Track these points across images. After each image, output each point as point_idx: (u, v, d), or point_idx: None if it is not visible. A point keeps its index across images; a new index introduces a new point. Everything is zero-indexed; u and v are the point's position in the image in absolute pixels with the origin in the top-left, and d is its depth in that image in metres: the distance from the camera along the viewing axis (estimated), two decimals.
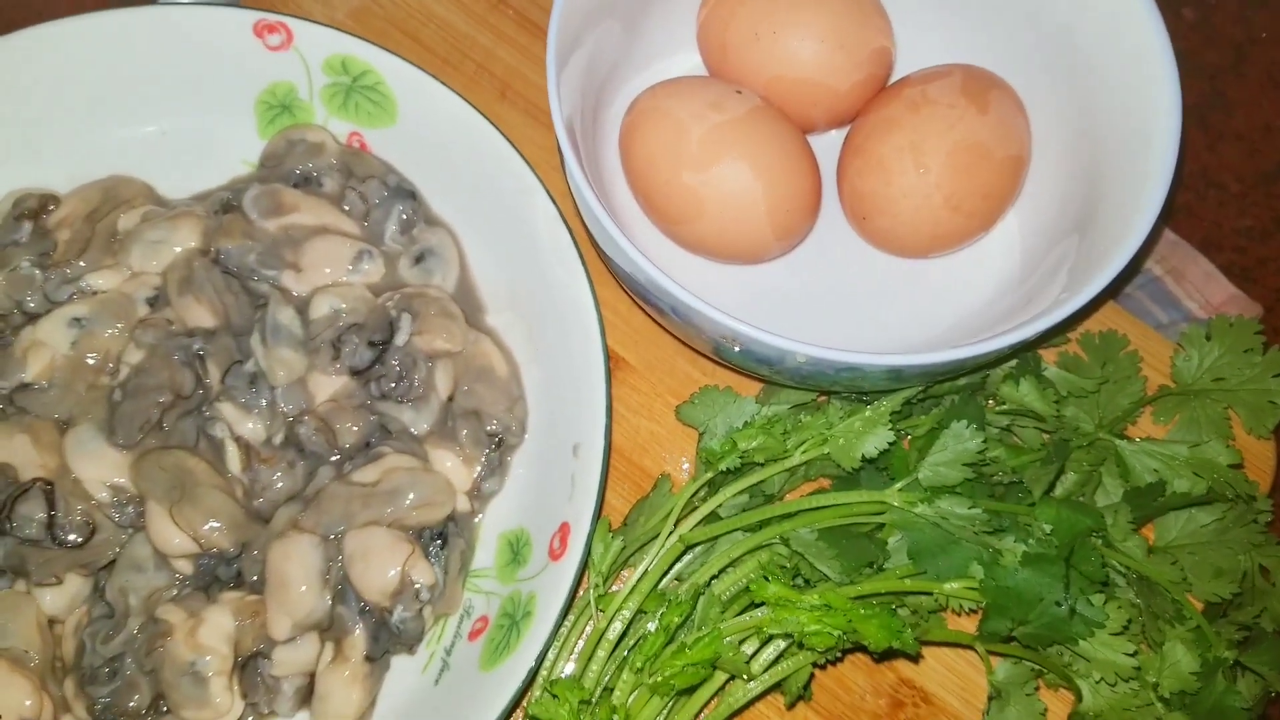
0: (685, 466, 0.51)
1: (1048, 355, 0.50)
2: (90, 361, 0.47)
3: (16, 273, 0.49)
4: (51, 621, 0.45)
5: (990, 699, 0.45)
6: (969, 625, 0.47)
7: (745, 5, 0.49)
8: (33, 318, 0.48)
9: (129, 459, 0.45)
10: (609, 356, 0.46)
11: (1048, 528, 0.43)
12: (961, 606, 0.45)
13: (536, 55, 0.57)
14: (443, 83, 0.49)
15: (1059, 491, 0.47)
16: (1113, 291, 0.49)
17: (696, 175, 0.47)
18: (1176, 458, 0.47)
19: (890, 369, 0.42)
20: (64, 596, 0.45)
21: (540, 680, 0.44)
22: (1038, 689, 0.45)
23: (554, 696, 0.41)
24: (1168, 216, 0.57)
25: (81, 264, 0.49)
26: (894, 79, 0.51)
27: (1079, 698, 0.44)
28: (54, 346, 0.47)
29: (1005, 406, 0.48)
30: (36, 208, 0.50)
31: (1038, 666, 0.45)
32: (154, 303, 0.48)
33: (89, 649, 0.44)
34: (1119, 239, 0.43)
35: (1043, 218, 0.50)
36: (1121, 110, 0.46)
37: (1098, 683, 0.43)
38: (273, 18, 0.50)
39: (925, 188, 0.47)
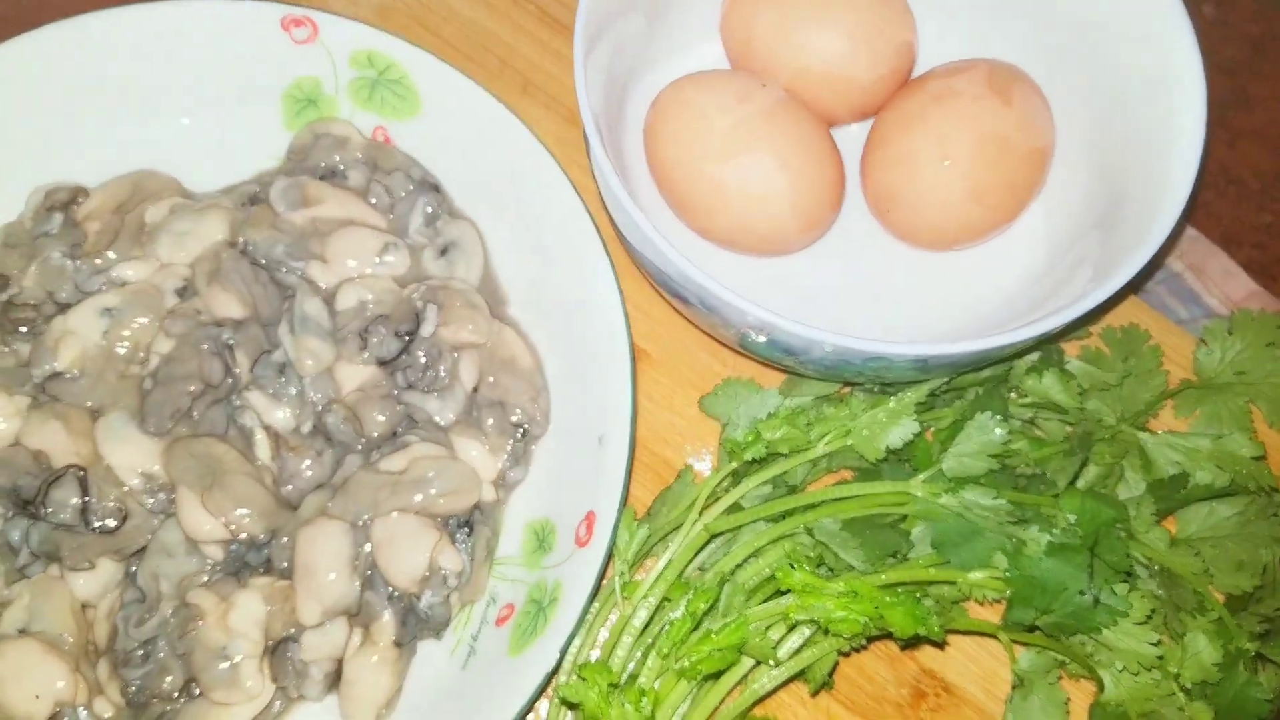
0: (706, 458, 0.52)
1: (1070, 349, 0.50)
2: (121, 351, 0.48)
3: (48, 263, 0.49)
4: (84, 606, 0.46)
5: (1014, 688, 0.45)
6: (990, 615, 0.48)
7: None
8: (64, 308, 0.49)
9: (160, 446, 0.46)
10: (633, 348, 0.46)
11: (1072, 518, 0.43)
12: (984, 596, 0.45)
13: (558, 50, 0.57)
14: (468, 76, 0.50)
15: (1081, 484, 0.48)
16: (1135, 286, 0.49)
17: (721, 167, 0.47)
18: (1199, 450, 0.47)
19: (917, 359, 0.42)
20: (97, 581, 0.46)
21: (567, 665, 0.45)
22: (1060, 679, 0.45)
23: (583, 679, 0.41)
24: (1189, 213, 0.57)
25: (111, 255, 0.50)
26: (917, 73, 0.51)
27: (1101, 687, 0.44)
28: (85, 336, 0.48)
29: (1028, 399, 0.48)
30: (67, 200, 0.51)
31: (1060, 656, 0.45)
32: (182, 293, 0.49)
33: (122, 632, 0.45)
34: (1142, 235, 0.43)
35: (1066, 212, 0.50)
36: (1146, 107, 0.46)
37: (1120, 672, 0.43)
38: (299, 12, 0.51)
39: (950, 180, 0.47)
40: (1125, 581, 0.43)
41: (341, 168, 0.51)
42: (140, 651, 0.44)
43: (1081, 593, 0.42)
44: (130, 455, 0.46)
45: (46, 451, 0.46)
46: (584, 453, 0.47)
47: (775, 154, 0.47)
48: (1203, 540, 0.48)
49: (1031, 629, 0.44)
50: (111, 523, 0.45)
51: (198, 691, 0.44)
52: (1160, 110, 0.45)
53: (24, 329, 0.49)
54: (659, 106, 0.49)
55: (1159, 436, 0.48)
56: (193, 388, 0.46)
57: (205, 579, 0.46)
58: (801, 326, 0.41)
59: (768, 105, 0.47)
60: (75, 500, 0.45)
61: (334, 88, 0.52)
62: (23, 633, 0.44)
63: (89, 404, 0.47)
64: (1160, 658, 0.43)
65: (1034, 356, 0.49)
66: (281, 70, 0.52)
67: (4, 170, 0.51)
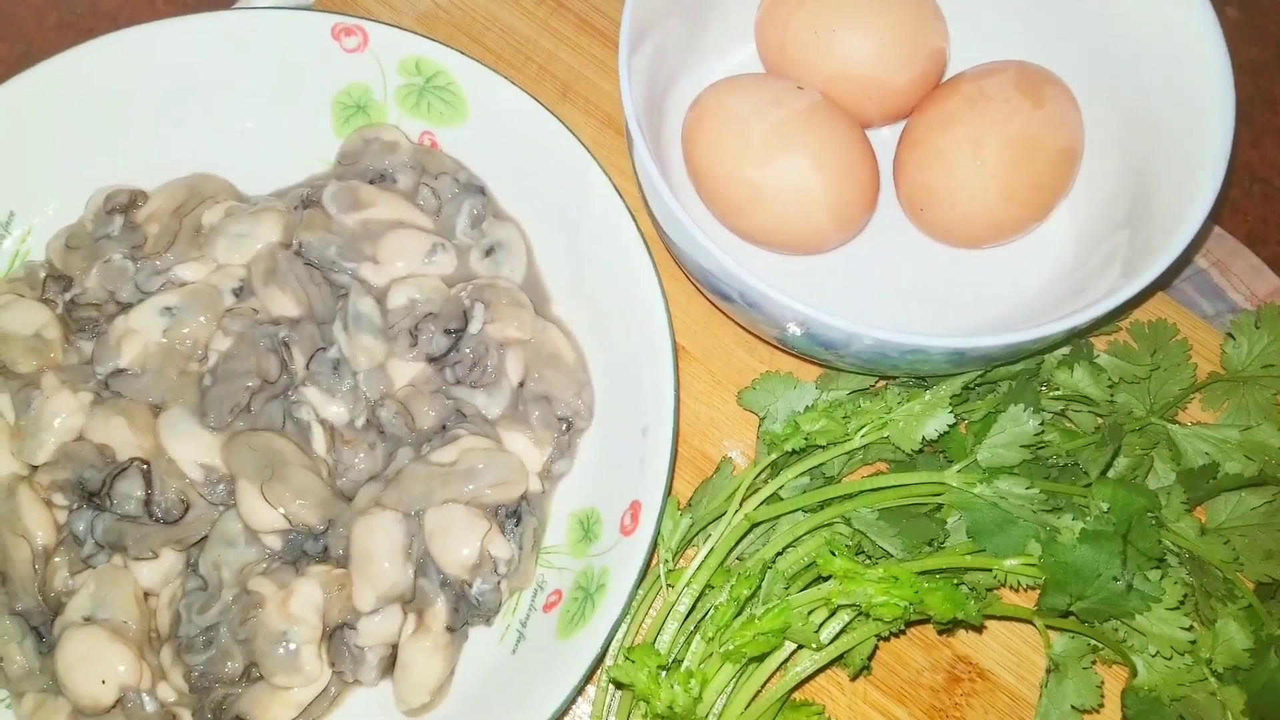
0: (738, 451, 0.53)
1: (1098, 343, 0.52)
2: (180, 348, 0.50)
3: (110, 264, 0.51)
4: (147, 594, 0.48)
5: (1048, 671, 0.46)
6: (1023, 602, 0.49)
7: (804, 4, 0.51)
8: (125, 307, 0.50)
9: (220, 440, 0.48)
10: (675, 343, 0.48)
11: (1105, 506, 0.44)
12: (1019, 583, 0.46)
13: (597, 57, 0.59)
14: (513, 82, 0.52)
15: (1112, 474, 0.49)
16: (1163, 283, 0.50)
17: (759, 169, 0.49)
18: (1228, 441, 0.48)
19: (953, 351, 0.43)
20: (159, 570, 0.47)
21: (614, 650, 0.46)
22: (1094, 664, 0.46)
23: (631, 661, 0.43)
24: (1216, 212, 0.59)
25: (170, 256, 0.52)
26: (948, 75, 0.53)
27: (1134, 672, 0.45)
28: (146, 334, 0.49)
29: (1059, 392, 0.49)
30: (126, 203, 0.53)
31: (1094, 641, 0.46)
32: (239, 293, 0.51)
33: (184, 619, 0.46)
34: (1170, 233, 0.44)
35: (1095, 210, 0.52)
36: (1174, 107, 0.47)
37: (1153, 657, 0.44)
38: (350, 21, 0.53)
39: (983, 179, 0.48)
40: (1157, 568, 0.44)
41: (390, 171, 0.53)
42: (202, 638, 0.46)
43: (1115, 579, 0.43)
44: (191, 449, 0.48)
45: (111, 445, 0.48)
46: (628, 445, 0.48)
47: (811, 156, 0.48)
48: (1232, 529, 0.49)
49: (1065, 614, 0.45)
50: (174, 514, 0.47)
51: (258, 676, 0.46)
52: (1189, 110, 0.46)
53: (87, 328, 0.51)
54: (698, 110, 0.51)
55: (1189, 428, 0.49)
56: (251, 383, 0.48)
57: (264, 567, 0.47)
58: (845, 320, 0.42)
59: (804, 108, 0.49)
60: (139, 492, 0.47)
61: (383, 94, 0.54)
62: (89, 620, 0.46)
63: (151, 399, 0.49)
64: (1193, 642, 0.44)
65: (1064, 351, 0.50)
66: (332, 77, 0.54)
67: (66, 174, 0.53)
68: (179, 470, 0.48)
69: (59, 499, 0.48)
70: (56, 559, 0.47)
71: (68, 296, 0.51)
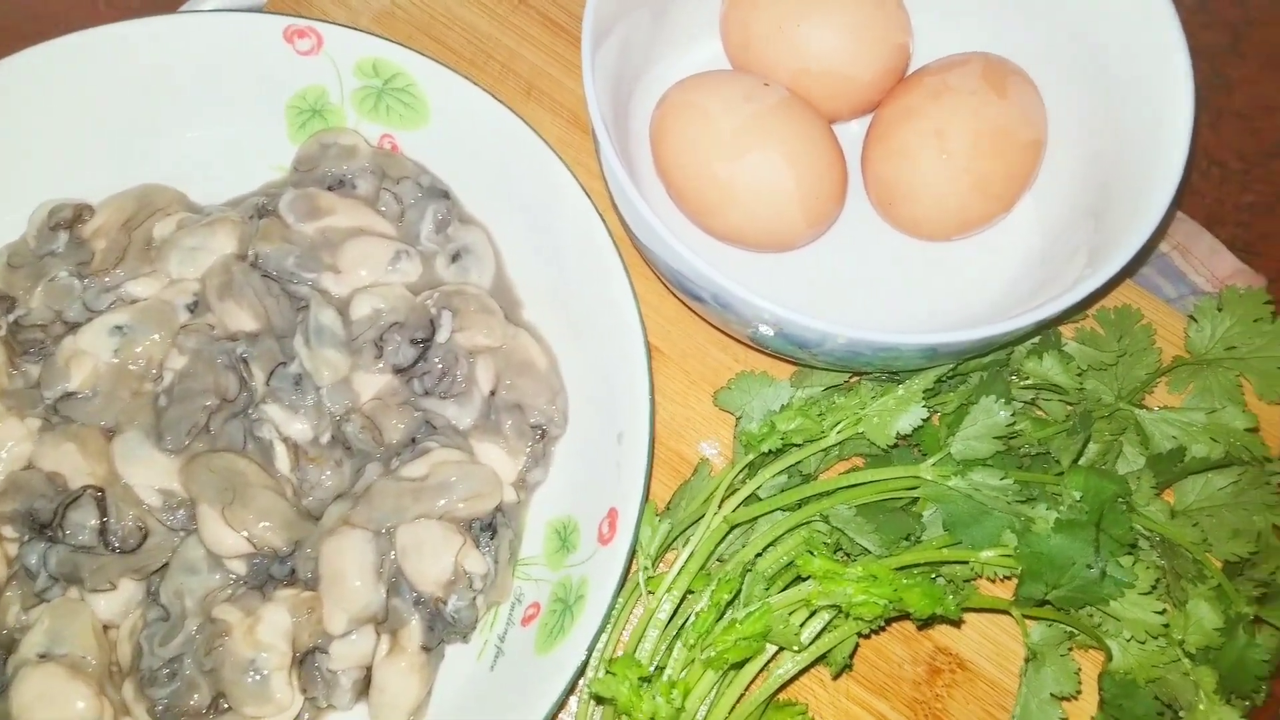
0: (715, 450, 0.53)
1: (1066, 331, 0.52)
2: (133, 368, 0.48)
3: (55, 283, 0.49)
4: (106, 627, 0.46)
5: (1026, 660, 0.47)
6: (1000, 592, 0.49)
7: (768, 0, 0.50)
8: (73, 327, 0.48)
9: (178, 463, 0.46)
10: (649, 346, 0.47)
11: (1077, 495, 0.45)
12: (995, 574, 0.46)
13: (560, 54, 0.58)
14: (474, 82, 0.50)
15: (1084, 461, 0.49)
16: (1131, 270, 0.51)
17: (728, 166, 0.48)
18: (1194, 424, 0.49)
19: (926, 347, 0.43)
20: (118, 601, 0.46)
21: (595, 661, 0.45)
22: (1070, 650, 0.47)
23: (612, 674, 0.42)
24: (1178, 198, 0.59)
25: (119, 272, 0.50)
26: (912, 68, 0.52)
27: (1109, 657, 0.46)
28: (96, 355, 0.47)
29: (1029, 381, 0.50)
30: (72, 218, 0.51)
31: (1070, 628, 0.47)
32: (194, 309, 0.49)
33: (146, 651, 0.45)
34: (1135, 221, 0.45)
35: (1060, 200, 0.52)
36: (1135, 96, 0.48)
37: (1128, 641, 0.45)
38: (303, 23, 0.51)
39: (950, 172, 0.48)
40: (1130, 553, 0.45)
41: (350, 177, 0.51)
42: (165, 670, 0.44)
43: (1089, 566, 0.43)
44: (148, 473, 0.46)
45: (62, 473, 0.46)
46: (604, 451, 0.48)
47: (780, 152, 0.48)
48: (1200, 510, 0.49)
49: (1042, 603, 0.45)
50: (131, 542, 0.45)
51: (226, 707, 0.44)
52: (1149, 98, 0.47)
53: (33, 350, 0.49)
54: (665, 108, 0.50)
55: (1155, 413, 0.50)
56: (208, 403, 0.46)
57: (229, 594, 0.46)
58: (817, 320, 0.42)
59: (771, 104, 0.48)
60: (93, 521, 0.45)
61: (339, 97, 0.52)
62: (43, 657, 0.44)
63: (103, 423, 0.47)
64: (1165, 626, 0.44)
65: (1034, 340, 0.50)
66: (286, 81, 0.52)
67: (6, 188, 0.50)
68: (135, 496, 0.46)
69: (9, 531, 0.45)
70: (8, 594, 0.45)
71: (11, 318, 0.49)
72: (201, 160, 0.52)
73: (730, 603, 0.45)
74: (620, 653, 0.46)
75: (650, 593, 0.46)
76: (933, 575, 0.46)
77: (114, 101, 0.51)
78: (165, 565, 0.46)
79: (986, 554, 0.45)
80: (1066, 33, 0.50)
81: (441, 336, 0.49)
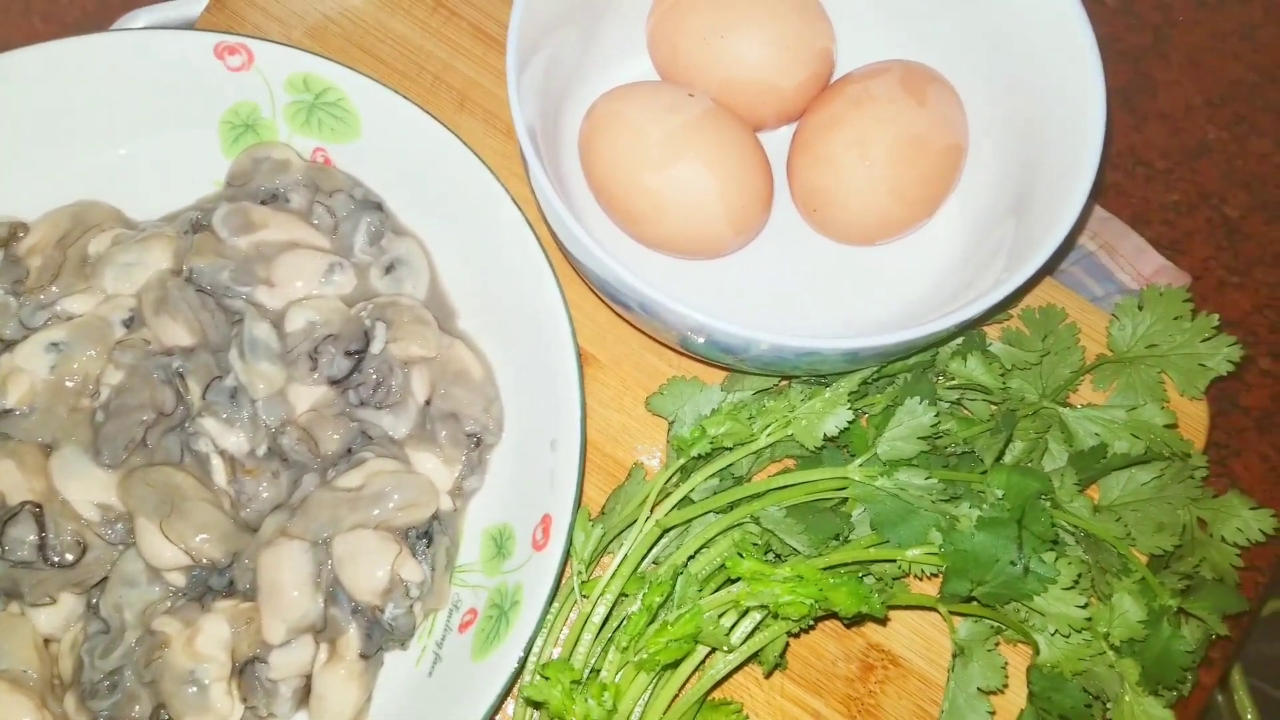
0: (656, 456, 0.54)
1: (991, 331, 0.53)
2: (70, 385, 0.48)
3: None
4: (47, 641, 0.46)
5: (954, 656, 0.48)
6: (930, 589, 0.50)
7: (694, 11, 0.51)
8: (9, 345, 0.49)
9: (115, 478, 0.46)
10: (580, 354, 0.48)
11: (1000, 493, 0.46)
12: (923, 571, 0.47)
13: (492, 65, 0.58)
14: (404, 96, 0.51)
15: (1008, 459, 0.50)
16: (1050, 268, 0.52)
17: (656, 176, 0.49)
18: (1116, 421, 0.50)
19: (847, 352, 0.44)
20: (59, 615, 0.46)
21: (531, 665, 0.46)
22: (997, 645, 0.48)
23: (545, 679, 0.43)
24: (1099, 195, 0.61)
25: (55, 289, 0.50)
26: (836, 76, 0.53)
27: (1036, 650, 0.47)
28: (33, 372, 0.48)
29: (954, 382, 0.51)
30: (6, 236, 0.51)
31: (997, 624, 0.48)
32: (130, 324, 0.49)
33: (87, 665, 0.45)
34: (1053, 220, 0.46)
35: (982, 203, 0.53)
36: (1052, 100, 0.48)
37: (1053, 635, 0.46)
38: (233, 39, 0.51)
39: (871, 180, 0.49)
40: (1052, 549, 0.46)
41: (283, 191, 0.52)
42: (106, 683, 0.45)
43: (1012, 563, 0.44)
44: (86, 488, 0.46)
45: (0, 490, 0.46)
46: (538, 458, 0.48)
47: (706, 161, 0.49)
48: (1124, 505, 0.51)
49: (968, 599, 0.46)
50: (70, 557, 0.46)
51: (167, 718, 0.45)
52: (1063, 99, 0.48)
53: None
54: (592, 119, 0.51)
55: (1079, 410, 0.51)
56: (145, 417, 0.47)
57: (169, 606, 0.46)
58: (737, 327, 0.43)
59: (697, 114, 0.49)
60: (32, 537, 0.45)
61: (271, 112, 0.53)
62: None
63: (41, 439, 0.47)
64: (1089, 619, 0.45)
65: (958, 341, 0.51)
66: (217, 97, 0.52)
67: None
68: (74, 511, 0.46)
69: None
70: None
71: None
72: (136, 176, 0.53)
73: (663, 605, 0.46)
74: (557, 656, 0.47)
75: (585, 597, 0.47)
76: (862, 574, 0.47)
77: (48, 118, 0.51)
78: (105, 579, 0.46)
79: (913, 552, 0.46)
80: (984, 38, 0.51)
81: (376, 348, 0.49)
